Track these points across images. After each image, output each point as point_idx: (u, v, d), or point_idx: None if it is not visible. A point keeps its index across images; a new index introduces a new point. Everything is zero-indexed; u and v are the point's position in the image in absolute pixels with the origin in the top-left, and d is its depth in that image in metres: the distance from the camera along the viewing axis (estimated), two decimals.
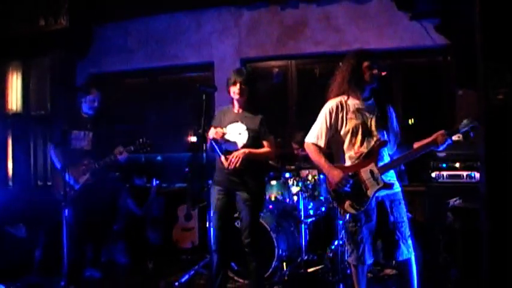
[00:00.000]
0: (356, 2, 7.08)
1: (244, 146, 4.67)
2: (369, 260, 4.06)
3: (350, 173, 4.00)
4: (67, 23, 7.72)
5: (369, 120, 4.08)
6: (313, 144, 4.16)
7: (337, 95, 4.15)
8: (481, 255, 2.77)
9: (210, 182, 4.77)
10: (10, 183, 7.74)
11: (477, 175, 5.16)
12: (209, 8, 7.72)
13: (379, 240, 4.06)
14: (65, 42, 7.92)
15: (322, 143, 4.13)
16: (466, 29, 5.76)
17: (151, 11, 7.89)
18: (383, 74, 4.04)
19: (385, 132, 4.09)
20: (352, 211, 4.02)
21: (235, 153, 4.59)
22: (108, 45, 8.18)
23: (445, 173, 5.35)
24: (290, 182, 6.09)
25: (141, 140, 5.58)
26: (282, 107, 7.65)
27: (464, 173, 5.31)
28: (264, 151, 4.74)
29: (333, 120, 4.11)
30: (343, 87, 4.12)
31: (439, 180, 5.65)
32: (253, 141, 4.71)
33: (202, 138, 4.43)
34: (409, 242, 4.01)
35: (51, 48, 8.00)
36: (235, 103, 4.81)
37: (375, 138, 4.03)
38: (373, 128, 4.06)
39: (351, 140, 4.08)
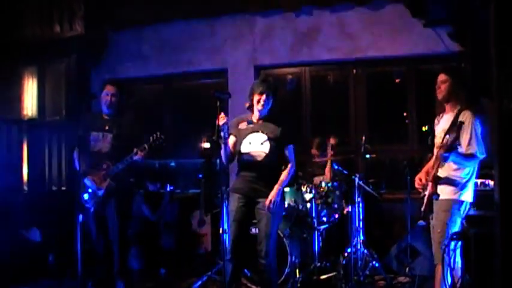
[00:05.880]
0: (370, 9, 7.07)
1: (266, 156, 4.56)
2: None
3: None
4: (82, 29, 7.81)
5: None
6: None
7: None
8: (494, 263, 2.75)
9: (228, 188, 4.77)
10: (25, 187, 7.78)
11: (491, 183, 5.12)
12: (223, 15, 7.74)
13: None
14: (80, 48, 8.00)
15: None
16: (480, 36, 5.76)
17: (166, 18, 7.92)
18: (396, 81, 4.10)
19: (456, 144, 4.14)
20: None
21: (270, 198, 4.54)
22: (123, 52, 8.24)
23: None
24: (303, 189, 6.07)
25: (154, 135, 5.27)
26: (295, 114, 7.64)
27: (479, 181, 5.27)
28: (285, 175, 4.66)
29: None
30: None
31: None
32: (275, 150, 4.59)
33: (216, 144, 4.42)
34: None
35: (66, 54, 8.09)
36: (256, 113, 4.66)
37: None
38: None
39: None
